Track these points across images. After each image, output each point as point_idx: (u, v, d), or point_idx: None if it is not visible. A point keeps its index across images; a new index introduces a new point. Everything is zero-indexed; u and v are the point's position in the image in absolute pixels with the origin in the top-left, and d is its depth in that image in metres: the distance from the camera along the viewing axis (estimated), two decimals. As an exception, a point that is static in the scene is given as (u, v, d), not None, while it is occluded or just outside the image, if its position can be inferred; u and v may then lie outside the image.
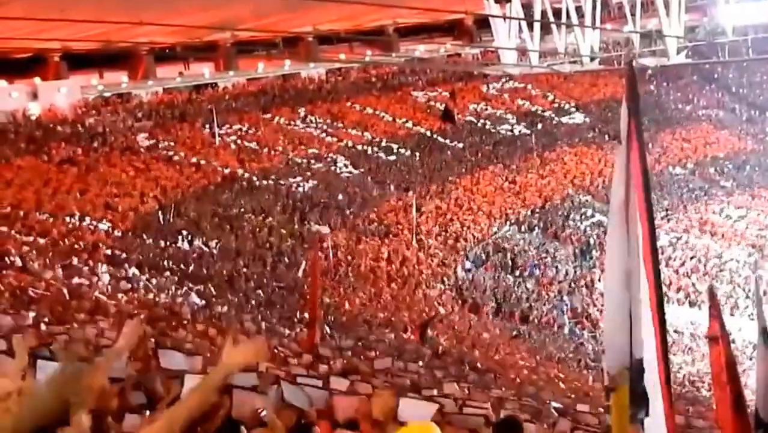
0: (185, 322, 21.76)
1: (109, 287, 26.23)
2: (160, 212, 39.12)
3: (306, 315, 26.15)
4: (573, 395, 25.24)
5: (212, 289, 31.10)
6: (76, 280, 25.23)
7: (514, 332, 39.29)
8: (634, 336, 5.48)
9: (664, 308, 5.52)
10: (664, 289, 44.19)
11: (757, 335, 6.56)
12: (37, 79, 48.51)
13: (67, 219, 35.11)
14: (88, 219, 35.57)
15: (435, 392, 14.31)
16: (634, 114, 5.60)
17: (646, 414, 5.46)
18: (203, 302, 28.40)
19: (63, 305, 19.63)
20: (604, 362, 5.87)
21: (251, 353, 3.77)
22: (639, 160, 5.62)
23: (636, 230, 5.55)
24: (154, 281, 29.62)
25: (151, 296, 26.80)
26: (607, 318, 5.88)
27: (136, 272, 30.03)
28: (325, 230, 40.58)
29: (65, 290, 22.32)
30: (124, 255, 32.01)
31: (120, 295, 24.90)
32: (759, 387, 6.18)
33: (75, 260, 27.92)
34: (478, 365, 28.76)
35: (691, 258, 49.26)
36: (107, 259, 30.52)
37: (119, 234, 35.20)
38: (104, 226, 35.60)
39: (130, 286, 27.33)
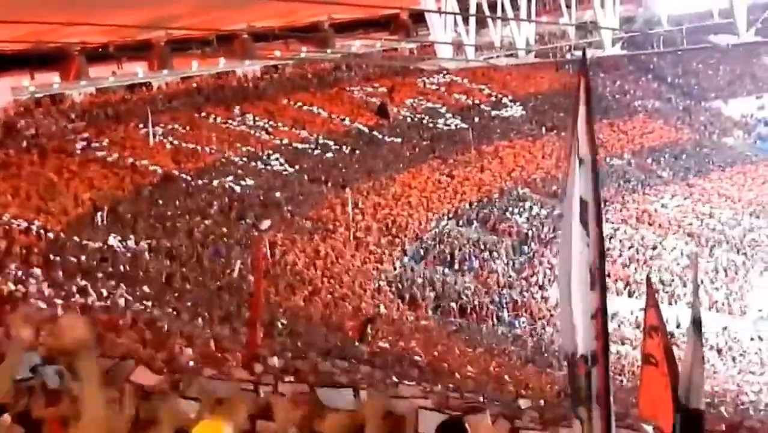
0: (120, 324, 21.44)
1: (43, 291, 25.73)
2: (94, 214, 38.54)
3: (245, 314, 26.02)
4: (514, 389, 25.32)
5: (148, 290, 30.70)
6: (7, 286, 24.70)
7: (454, 327, 39.31)
8: (568, 332, 5.39)
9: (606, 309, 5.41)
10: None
11: (689, 323, 6.61)
12: (-34, 82, 47.68)
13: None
14: (20, 222, 34.80)
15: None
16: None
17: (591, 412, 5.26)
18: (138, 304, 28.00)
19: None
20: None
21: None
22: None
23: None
24: (88, 284, 29.12)
25: (86, 300, 26.32)
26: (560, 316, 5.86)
27: (70, 275, 29.52)
28: (267, 224, 40.20)
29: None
30: (58, 258, 31.43)
31: (54, 300, 24.42)
32: (684, 374, 6.16)
33: (6, 265, 27.34)
34: (418, 361, 28.74)
35: (630, 248, 49.80)
36: (41, 263, 29.96)
37: (53, 237, 34.54)
38: (37, 229, 34.89)
39: (64, 290, 26.83)
